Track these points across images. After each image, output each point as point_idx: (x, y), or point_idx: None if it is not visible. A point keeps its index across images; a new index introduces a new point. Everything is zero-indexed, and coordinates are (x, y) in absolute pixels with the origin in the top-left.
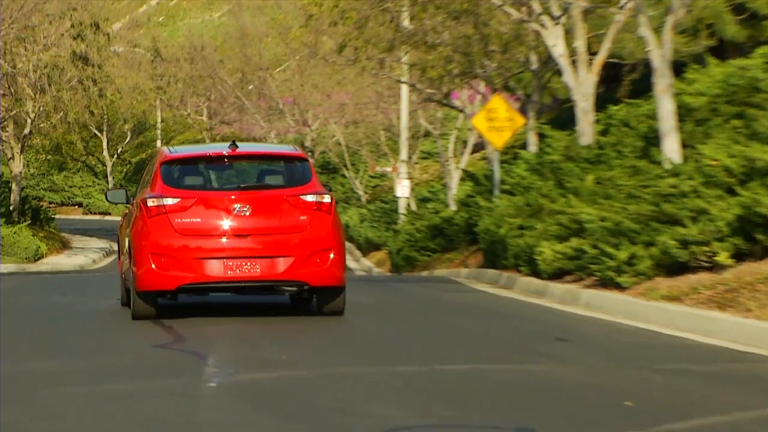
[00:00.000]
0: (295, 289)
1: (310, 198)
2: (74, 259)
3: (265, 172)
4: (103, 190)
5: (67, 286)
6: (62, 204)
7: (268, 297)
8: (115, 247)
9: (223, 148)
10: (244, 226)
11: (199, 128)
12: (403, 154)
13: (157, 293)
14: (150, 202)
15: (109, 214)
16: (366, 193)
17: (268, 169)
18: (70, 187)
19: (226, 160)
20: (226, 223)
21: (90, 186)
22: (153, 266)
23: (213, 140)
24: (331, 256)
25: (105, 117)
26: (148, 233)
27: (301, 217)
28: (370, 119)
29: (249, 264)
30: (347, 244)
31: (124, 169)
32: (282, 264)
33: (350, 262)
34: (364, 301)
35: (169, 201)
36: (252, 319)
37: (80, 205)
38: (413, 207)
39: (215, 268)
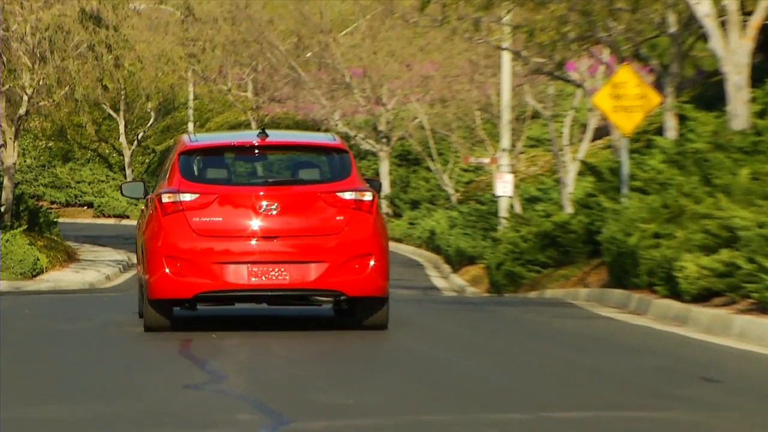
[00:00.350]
0: (329, 299)
1: (348, 195)
2: (82, 274)
3: (298, 165)
4: (119, 185)
5: (75, 308)
6: (67, 204)
7: (308, 308)
8: (134, 260)
9: (251, 137)
10: (272, 227)
11: (242, 107)
12: (505, 141)
13: (172, 302)
14: (165, 198)
15: (127, 217)
16: (457, 191)
17: (302, 162)
18: (78, 182)
19: (255, 150)
20: (252, 223)
21: (103, 181)
22: (167, 271)
23: (260, 123)
24: (372, 262)
25: (122, 93)
26: (161, 233)
27: (338, 217)
28: (462, 96)
29: (276, 270)
30: (432, 257)
31: (147, 160)
32: (314, 270)
33: (437, 280)
34: (452, 329)
35: (187, 197)
36: (295, 337)
37: (90, 205)
38: (517, 209)
39: (238, 274)
